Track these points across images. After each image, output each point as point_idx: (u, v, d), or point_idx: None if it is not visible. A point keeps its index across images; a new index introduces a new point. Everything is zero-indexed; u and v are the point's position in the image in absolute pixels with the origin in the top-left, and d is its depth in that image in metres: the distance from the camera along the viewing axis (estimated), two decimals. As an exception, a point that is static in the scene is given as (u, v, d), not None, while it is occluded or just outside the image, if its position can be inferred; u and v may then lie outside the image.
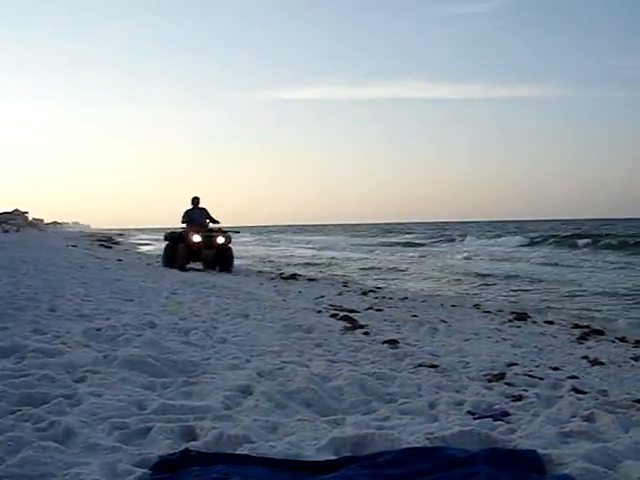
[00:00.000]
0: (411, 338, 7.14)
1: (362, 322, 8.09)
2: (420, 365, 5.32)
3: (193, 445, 2.92)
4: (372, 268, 23.72)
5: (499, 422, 3.55)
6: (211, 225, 18.25)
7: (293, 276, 17.54)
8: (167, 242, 18.53)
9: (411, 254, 34.02)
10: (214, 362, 4.82)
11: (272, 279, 16.62)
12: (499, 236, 51.17)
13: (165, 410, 3.46)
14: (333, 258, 30.43)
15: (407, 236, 61.97)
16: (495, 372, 5.17)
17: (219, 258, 17.50)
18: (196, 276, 15.04)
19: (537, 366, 5.78)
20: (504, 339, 7.86)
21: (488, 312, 11.16)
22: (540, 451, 2.94)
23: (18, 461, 2.61)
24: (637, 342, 8.05)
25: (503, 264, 25.63)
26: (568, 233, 49.67)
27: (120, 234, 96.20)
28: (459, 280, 18.50)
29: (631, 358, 6.82)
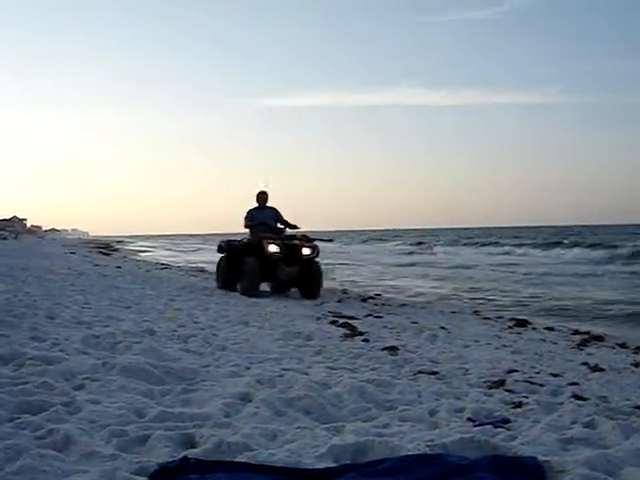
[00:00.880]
0: (411, 345, 7.12)
1: (362, 329, 8.07)
2: (420, 372, 5.31)
3: (192, 453, 2.91)
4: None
5: (499, 429, 3.54)
6: (288, 231, 12.97)
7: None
8: (224, 255, 13.50)
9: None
10: (213, 369, 4.80)
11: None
12: (544, 247, 41.58)
13: (164, 418, 3.44)
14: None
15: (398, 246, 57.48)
16: (495, 379, 5.16)
17: (303, 277, 12.41)
18: (195, 282, 15.02)
19: (537, 373, 5.77)
20: (504, 345, 7.85)
21: (488, 318, 11.16)
22: (541, 458, 2.92)
23: (16, 469, 2.60)
24: (637, 348, 8.05)
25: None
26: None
27: (119, 241, 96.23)
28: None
29: (631, 364, 6.80)
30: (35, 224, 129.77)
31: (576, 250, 36.84)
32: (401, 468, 2.80)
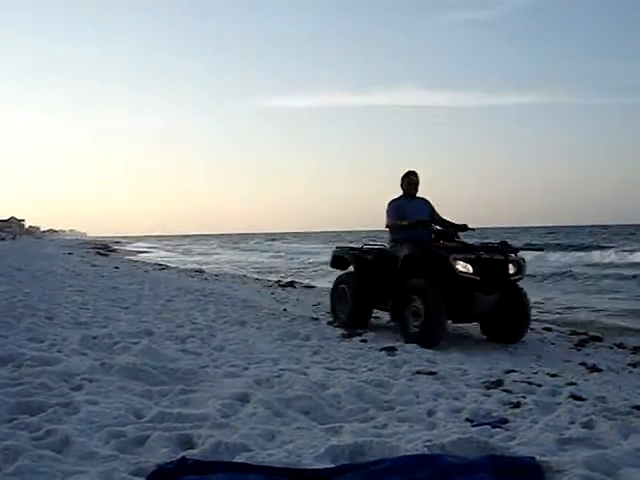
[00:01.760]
0: (409, 345, 7.12)
1: (359, 329, 8.06)
2: (418, 372, 5.31)
3: (190, 453, 2.91)
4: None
5: (498, 429, 3.54)
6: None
7: (291, 284, 17.52)
8: (348, 272, 9.15)
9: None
10: (211, 370, 4.80)
11: (269, 286, 16.59)
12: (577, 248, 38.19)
13: (162, 418, 3.44)
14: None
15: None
16: (493, 379, 5.16)
17: (504, 308, 7.85)
18: (193, 283, 15.01)
19: (535, 373, 5.77)
20: (502, 346, 7.84)
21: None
22: (539, 458, 2.93)
23: (14, 470, 2.60)
24: (635, 348, 8.04)
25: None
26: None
27: (117, 241, 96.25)
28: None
29: (629, 364, 6.80)
30: (33, 225, 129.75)
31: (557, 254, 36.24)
32: (399, 468, 2.80)
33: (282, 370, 4.88)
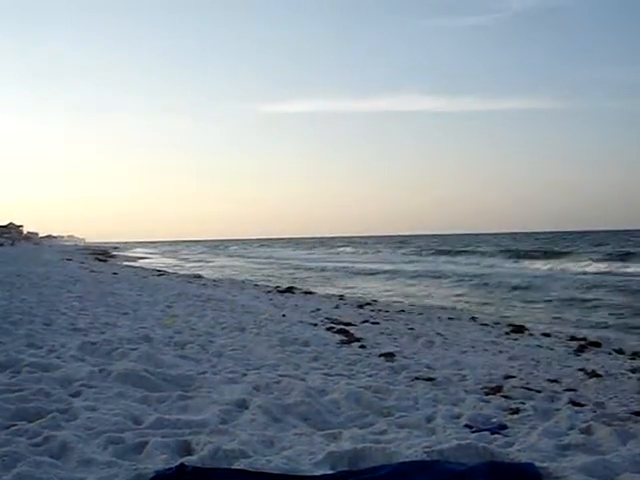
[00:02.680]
0: (408, 351, 7.12)
1: (358, 335, 8.07)
2: (417, 378, 5.31)
3: (189, 460, 2.90)
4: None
5: (496, 435, 3.54)
6: None
7: (289, 289, 17.53)
8: None
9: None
10: (210, 376, 4.80)
11: (268, 292, 16.59)
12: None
13: (161, 424, 3.44)
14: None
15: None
16: (492, 385, 5.16)
17: None
18: (192, 289, 15.01)
19: (534, 379, 5.77)
20: (501, 352, 7.85)
21: (485, 325, 11.16)
22: (538, 464, 2.93)
23: (13, 476, 2.59)
24: (634, 354, 8.05)
25: None
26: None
27: (115, 247, 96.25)
28: None
29: (628, 370, 6.81)
30: (31, 230, 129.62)
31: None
32: (398, 475, 2.79)
33: (281, 376, 4.87)
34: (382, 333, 8.86)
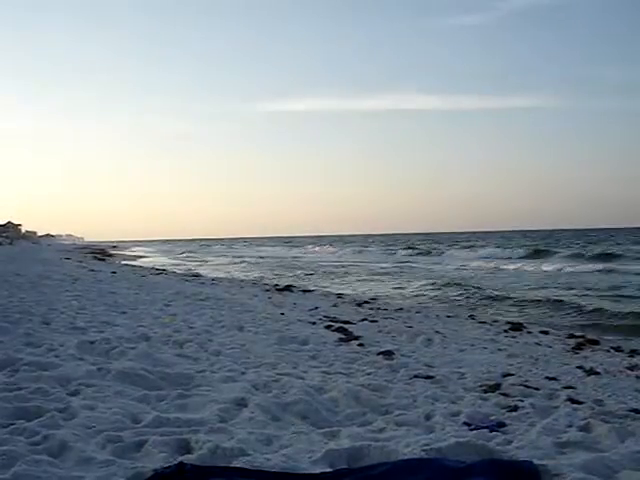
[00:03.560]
0: (406, 349, 7.13)
1: (357, 333, 8.07)
2: (415, 376, 5.31)
3: (188, 458, 2.90)
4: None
5: (495, 433, 3.54)
6: None
7: (288, 287, 17.53)
8: None
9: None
10: (209, 374, 4.79)
11: (267, 290, 16.59)
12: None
13: (160, 423, 3.44)
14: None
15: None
16: (491, 383, 5.16)
17: None
18: (190, 287, 15.00)
19: (533, 376, 5.78)
20: (499, 349, 7.85)
21: (483, 322, 11.17)
22: (536, 462, 2.93)
23: (11, 475, 2.59)
24: (632, 352, 8.07)
25: None
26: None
27: (114, 246, 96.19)
28: None
29: (626, 367, 6.82)
30: (30, 229, 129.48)
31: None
32: (397, 472, 2.80)
33: (279, 374, 4.87)
34: (380, 331, 8.86)
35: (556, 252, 41.86)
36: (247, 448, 3.06)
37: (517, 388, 5.01)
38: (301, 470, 2.85)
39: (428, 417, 3.93)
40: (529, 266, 31.00)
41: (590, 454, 3.13)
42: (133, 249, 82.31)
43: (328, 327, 8.74)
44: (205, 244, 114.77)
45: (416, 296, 17.38)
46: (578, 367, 6.63)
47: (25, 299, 9.03)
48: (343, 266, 33.98)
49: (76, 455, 2.90)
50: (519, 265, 32.11)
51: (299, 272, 28.34)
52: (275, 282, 20.73)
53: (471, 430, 3.59)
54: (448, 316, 11.99)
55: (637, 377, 6.30)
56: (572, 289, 18.59)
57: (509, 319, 11.88)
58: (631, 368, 6.78)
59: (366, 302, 14.22)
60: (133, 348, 5.45)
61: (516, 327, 10.43)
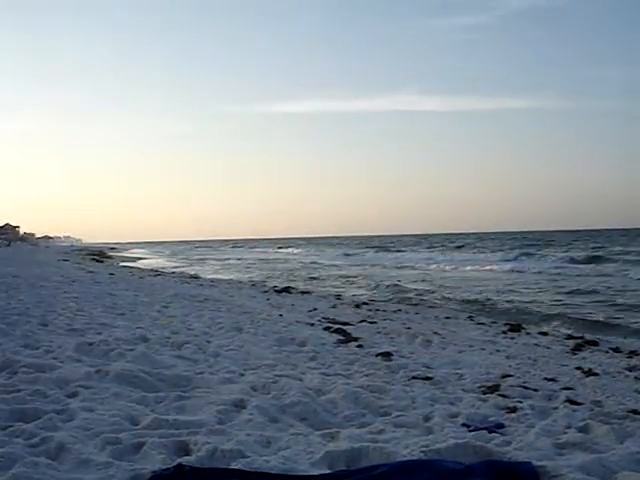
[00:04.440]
0: (405, 350, 7.13)
1: (356, 335, 8.07)
2: (414, 377, 5.31)
3: (187, 460, 2.90)
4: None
5: (494, 434, 3.54)
6: None
7: (286, 289, 17.52)
8: None
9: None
10: (207, 376, 4.79)
11: (265, 292, 16.58)
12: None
13: (158, 425, 3.43)
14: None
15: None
16: (489, 384, 5.16)
17: None
18: (189, 289, 14.99)
19: (532, 377, 5.78)
20: (498, 350, 7.86)
21: (482, 324, 11.18)
22: (535, 463, 2.93)
23: (10, 477, 2.58)
24: (631, 353, 8.07)
25: None
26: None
27: (112, 248, 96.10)
28: None
29: (625, 368, 6.83)
30: (28, 231, 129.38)
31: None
32: (396, 474, 2.79)
33: (278, 376, 4.87)
34: (379, 332, 8.86)
35: (536, 254, 42.46)
36: (246, 450, 3.05)
37: (516, 389, 5.01)
38: (300, 472, 2.84)
39: (427, 418, 3.93)
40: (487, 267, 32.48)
41: (589, 455, 3.13)
42: (132, 251, 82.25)
43: (327, 328, 8.74)
44: (200, 246, 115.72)
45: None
46: (577, 368, 6.63)
47: (23, 301, 9.02)
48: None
49: (74, 457, 2.90)
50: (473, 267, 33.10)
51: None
52: (274, 284, 20.71)
53: (470, 431, 3.59)
54: (447, 317, 11.99)
55: (636, 378, 6.31)
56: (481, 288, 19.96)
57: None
58: (630, 369, 6.79)
59: (365, 303, 14.23)
60: (131, 350, 5.44)
61: (515, 328, 10.43)
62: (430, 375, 5.44)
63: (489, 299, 16.13)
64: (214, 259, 51.23)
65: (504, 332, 10.04)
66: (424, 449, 3.13)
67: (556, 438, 3.45)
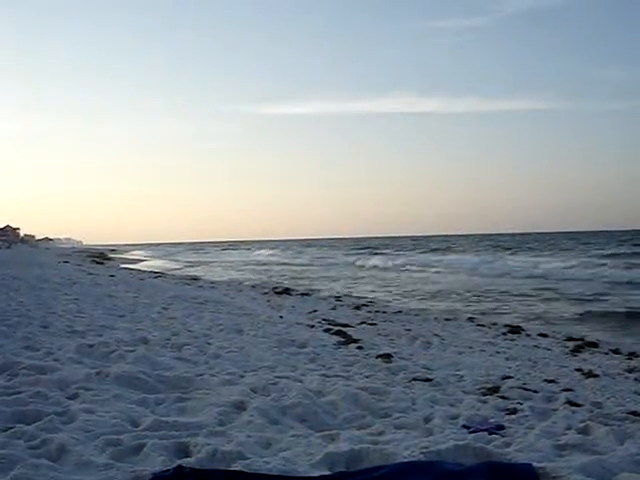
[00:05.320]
0: (405, 352, 7.13)
1: (356, 336, 8.07)
2: (414, 379, 5.31)
3: (187, 462, 2.90)
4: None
5: (494, 436, 3.54)
6: None
7: (286, 290, 17.53)
8: None
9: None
10: (208, 378, 4.79)
11: (265, 293, 16.59)
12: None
13: (158, 426, 3.43)
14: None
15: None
16: (489, 385, 5.17)
17: None
18: (189, 291, 15.01)
19: (532, 379, 5.78)
20: (498, 352, 7.86)
21: (482, 325, 11.18)
22: (535, 464, 2.93)
23: (11, 479, 2.59)
24: (630, 354, 8.08)
25: None
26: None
27: (113, 249, 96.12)
28: None
29: (624, 370, 6.83)
30: (28, 233, 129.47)
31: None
32: (396, 475, 2.80)
33: (278, 378, 4.87)
34: (379, 334, 8.86)
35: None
36: (246, 451, 3.06)
37: (516, 391, 5.01)
38: (300, 473, 2.84)
39: (427, 420, 3.93)
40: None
41: (589, 456, 3.13)
42: (132, 252, 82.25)
43: (327, 330, 8.74)
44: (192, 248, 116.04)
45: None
46: (577, 370, 6.64)
47: (24, 303, 9.02)
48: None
49: (75, 459, 2.90)
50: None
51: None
52: (273, 285, 20.72)
53: (470, 433, 3.60)
54: (447, 319, 12.00)
55: (635, 379, 6.31)
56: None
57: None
58: (629, 370, 6.79)
59: (364, 305, 14.23)
60: (132, 351, 5.45)
61: (514, 330, 10.44)
62: (430, 377, 5.45)
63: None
64: (215, 261, 51.35)
65: (504, 334, 10.05)
66: (424, 450, 3.13)
67: (556, 439, 3.45)
